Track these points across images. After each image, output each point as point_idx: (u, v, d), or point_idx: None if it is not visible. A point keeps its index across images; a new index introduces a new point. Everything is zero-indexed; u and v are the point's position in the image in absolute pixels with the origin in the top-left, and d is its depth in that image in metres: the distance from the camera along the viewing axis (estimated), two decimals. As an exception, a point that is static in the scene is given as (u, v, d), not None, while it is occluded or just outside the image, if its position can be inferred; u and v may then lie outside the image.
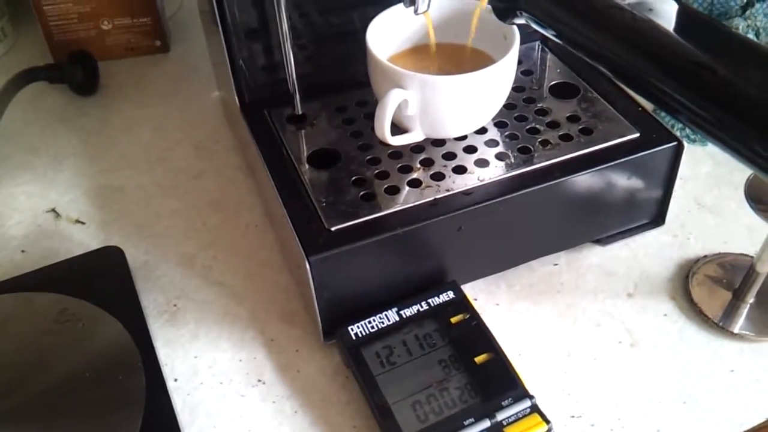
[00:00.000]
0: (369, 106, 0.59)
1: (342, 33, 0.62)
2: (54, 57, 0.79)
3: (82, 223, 0.63)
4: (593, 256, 0.59)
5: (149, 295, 0.56)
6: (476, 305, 0.52)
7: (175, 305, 0.56)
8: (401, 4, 0.54)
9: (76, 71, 0.74)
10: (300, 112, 0.57)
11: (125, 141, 0.71)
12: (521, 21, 0.44)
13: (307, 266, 0.47)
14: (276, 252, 0.60)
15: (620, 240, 0.59)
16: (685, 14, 0.41)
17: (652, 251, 0.59)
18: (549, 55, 0.64)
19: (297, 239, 0.48)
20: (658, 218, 0.60)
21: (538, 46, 0.65)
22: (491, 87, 0.51)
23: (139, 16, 0.78)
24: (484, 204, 0.50)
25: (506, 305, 0.55)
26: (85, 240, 0.61)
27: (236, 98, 0.59)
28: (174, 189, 0.65)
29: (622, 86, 0.60)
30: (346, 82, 0.61)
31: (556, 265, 0.58)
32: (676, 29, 0.40)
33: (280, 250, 0.59)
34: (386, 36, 0.55)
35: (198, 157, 0.69)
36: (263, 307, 0.56)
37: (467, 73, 0.49)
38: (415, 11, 0.49)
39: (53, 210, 0.64)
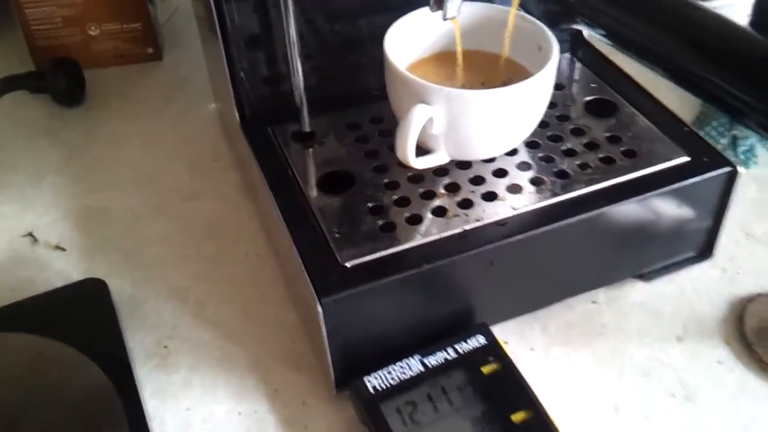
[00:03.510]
0: (384, 122, 0.52)
1: (353, 40, 0.56)
2: (36, 64, 0.73)
3: (62, 249, 0.56)
4: (636, 293, 0.53)
5: (136, 335, 0.50)
6: (508, 350, 0.45)
7: (165, 347, 0.49)
8: (424, 8, 0.48)
9: (59, 80, 0.68)
10: (308, 129, 0.51)
11: (112, 158, 0.64)
12: (577, 27, 0.38)
13: (319, 309, 0.41)
14: (279, 285, 0.53)
15: (665, 275, 0.53)
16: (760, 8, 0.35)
17: (700, 287, 0.53)
18: (581, 68, 0.58)
19: (307, 278, 0.41)
20: (705, 251, 0.54)
21: (569, 58, 0.59)
22: (528, 103, 0.45)
23: (129, 21, 0.72)
24: (521, 237, 0.44)
25: (542, 350, 0.49)
26: (65, 269, 0.54)
27: (236, 113, 0.53)
28: (165, 212, 0.59)
29: (663, 103, 0.54)
30: (358, 95, 0.54)
31: (594, 303, 0.52)
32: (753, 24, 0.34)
33: (285, 283, 0.53)
34: (407, 43, 0.49)
35: (192, 177, 0.62)
36: (265, 350, 0.49)
37: (502, 87, 0.43)
38: (443, 16, 0.43)
39: (30, 234, 0.57)
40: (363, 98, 0.54)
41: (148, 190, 0.61)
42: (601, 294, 0.52)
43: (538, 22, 0.48)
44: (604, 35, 0.37)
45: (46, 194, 0.61)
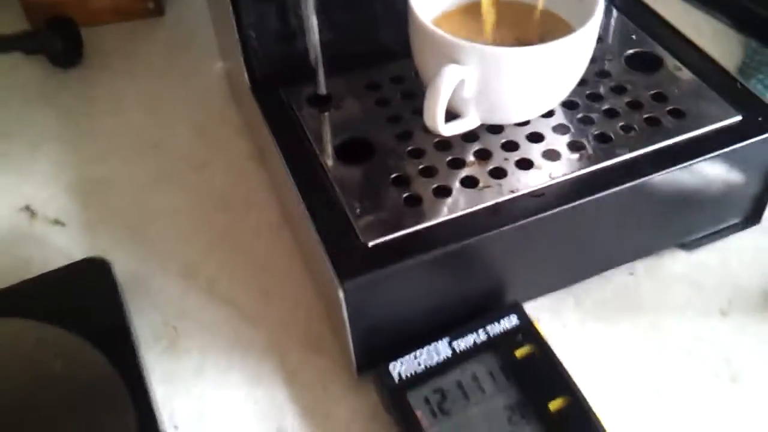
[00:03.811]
0: (406, 82, 0.48)
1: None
2: (30, 23, 0.68)
3: (62, 224, 0.52)
4: (676, 263, 0.49)
5: (142, 316, 0.46)
6: (539, 327, 0.42)
7: (174, 328, 0.46)
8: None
9: (55, 39, 0.63)
10: (324, 92, 0.47)
11: (113, 123, 0.60)
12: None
13: (340, 293, 0.37)
14: (295, 258, 0.50)
15: (707, 244, 0.49)
16: None
17: (747, 257, 0.49)
18: (619, 17, 0.53)
19: (327, 259, 0.38)
20: (753, 217, 0.50)
21: (605, 4, 0.54)
22: (570, 61, 0.40)
23: (127, -27, 0.67)
24: (559, 209, 0.40)
25: (575, 327, 0.45)
26: (65, 245, 0.51)
27: (245, 74, 0.48)
28: (172, 182, 0.55)
29: (711, 55, 0.49)
30: (376, 51, 0.50)
31: (632, 274, 0.48)
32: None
33: (301, 257, 0.50)
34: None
35: (200, 143, 0.58)
36: (282, 330, 0.46)
37: (541, 44, 0.38)
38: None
39: (27, 208, 0.54)
40: (382, 55, 0.49)
41: (152, 157, 0.57)
42: (638, 265, 0.48)
43: (578, -32, 0.43)
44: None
45: (43, 164, 0.57)
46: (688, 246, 0.49)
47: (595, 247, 0.45)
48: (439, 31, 0.39)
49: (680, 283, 0.48)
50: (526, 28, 0.44)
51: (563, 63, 0.40)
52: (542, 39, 0.43)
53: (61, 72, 0.65)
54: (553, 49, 0.38)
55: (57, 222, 0.53)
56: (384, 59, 0.49)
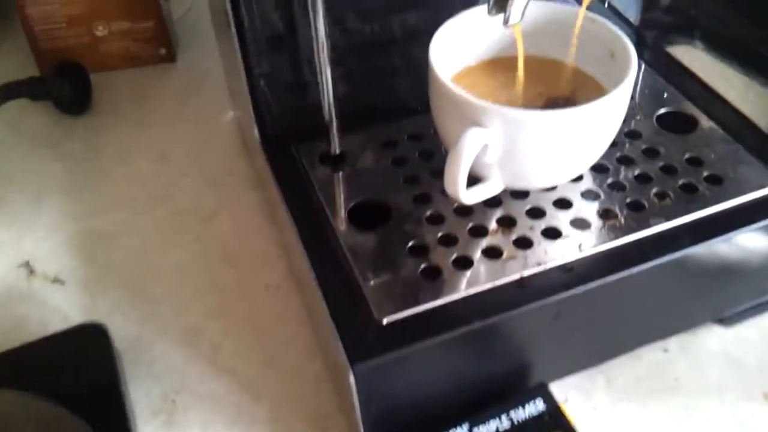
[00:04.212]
0: (425, 139, 0.45)
1: (389, 42, 0.49)
2: (40, 68, 0.67)
3: (61, 282, 0.50)
4: (713, 339, 0.45)
5: (141, 386, 0.43)
6: (566, 409, 0.39)
7: (173, 401, 0.43)
8: (476, 9, 0.41)
9: (63, 86, 0.62)
10: (338, 151, 0.44)
11: (120, 173, 0.58)
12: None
13: (351, 377, 0.34)
14: (303, 325, 0.47)
15: (748, 318, 0.46)
16: None
17: (791, 333, 0.45)
18: (650, 73, 0.51)
19: (338, 338, 0.35)
20: (796, 288, 0.46)
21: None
22: (601, 125, 0.37)
23: (140, 19, 0.65)
24: (591, 286, 0.37)
25: (606, 408, 0.42)
26: (63, 306, 0.48)
27: (256, 128, 0.46)
28: (177, 237, 0.53)
29: (748, 116, 0.47)
30: (394, 107, 0.47)
31: (666, 351, 0.45)
32: None
33: (309, 323, 0.47)
34: (455, 48, 0.41)
35: (209, 195, 0.56)
36: (287, 404, 0.43)
37: (569, 105, 0.36)
38: (505, 21, 0.35)
39: (27, 264, 0.51)
40: (399, 110, 0.47)
41: (158, 210, 0.55)
42: (673, 341, 0.45)
43: (610, 24, 0.40)
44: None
45: (47, 215, 0.55)
46: (727, 321, 0.45)
47: (627, 324, 0.42)
48: (461, 92, 0.36)
49: (718, 362, 0.44)
50: (554, 86, 0.42)
51: (594, 127, 0.37)
52: (572, 99, 0.41)
53: (69, 119, 0.63)
54: (583, 112, 0.36)
55: (56, 280, 0.50)
56: (401, 115, 0.47)
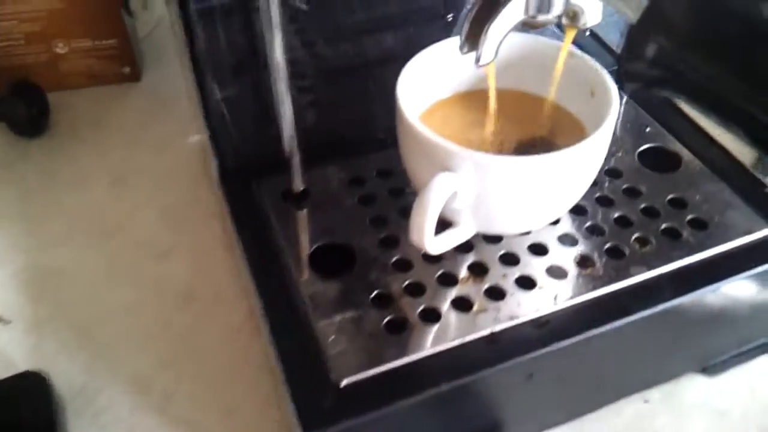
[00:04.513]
0: (395, 176, 0.43)
1: (359, 69, 0.47)
2: (-5, 87, 0.63)
3: (6, 321, 0.47)
4: (696, 389, 0.43)
5: (84, 441, 0.40)
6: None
7: (119, 458, 0.40)
8: (450, 40, 0.38)
9: (17, 106, 0.59)
10: (301, 188, 0.42)
11: (74, 202, 0.55)
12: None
13: (305, 447, 0.31)
14: (265, 370, 0.44)
15: (732, 367, 0.44)
16: None
17: (777, 383, 0.43)
18: (632, 106, 0.48)
19: (290, 401, 0.32)
20: (782, 335, 0.44)
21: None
22: (579, 170, 0.35)
23: (102, 37, 0.62)
24: (567, 343, 0.34)
25: (584, 467, 0.39)
26: (8, 347, 0.45)
27: (214, 162, 0.43)
28: (131, 273, 0.50)
29: (733, 154, 0.44)
30: (364, 140, 0.45)
31: (647, 402, 0.42)
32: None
33: (270, 372, 0.44)
34: (428, 80, 0.39)
35: (167, 227, 0.53)
36: (244, 462, 0.40)
37: (546, 152, 0.33)
38: (476, 60, 0.33)
39: (-31, 301, 0.48)
40: (369, 143, 0.44)
41: (114, 244, 0.52)
42: (654, 391, 0.43)
43: (591, 60, 0.38)
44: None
45: (-6, 247, 0.52)
46: (710, 370, 0.43)
47: (605, 378, 0.39)
48: (430, 134, 0.33)
49: (701, 414, 0.42)
50: (531, 124, 0.39)
51: (571, 173, 0.35)
52: (549, 139, 0.38)
53: (24, 141, 0.60)
54: (560, 158, 0.33)
55: (0, 319, 0.47)
56: (371, 147, 0.44)
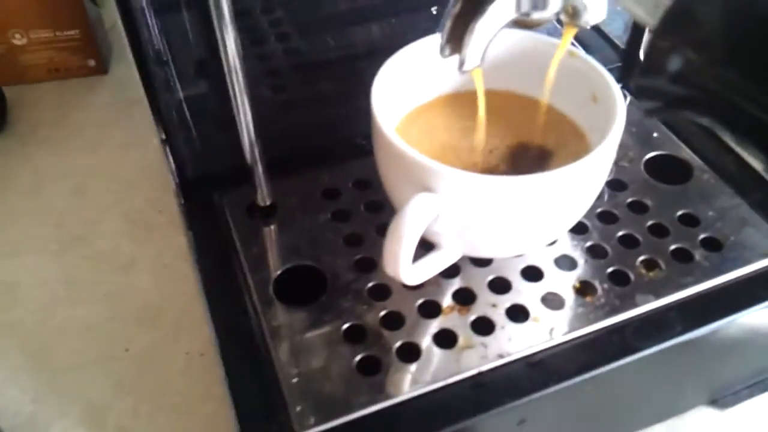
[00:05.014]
0: (373, 188, 0.38)
1: (335, 65, 0.42)
2: (-50, 81, 0.59)
3: (-51, 344, 0.43)
4: (705, 423, 0.39)
5: (27, 483, 0.36)
6: None
7: (65, 503, 0.36)
8: (430, 39, 0.33)
9: (-29, 103, 0.54)
10: (268, 202, 0.37)
11: (30, 208, 0.51)
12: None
13: None
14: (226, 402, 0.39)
15: (743, 400, 0.39)
16: None
17: (795, 416, 0.39)
18: (638, 108, 0.44)
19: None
20: (801, 364, 0.40)
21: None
22: (578, 189, 0.31)
23: (63, 27, 0.58)
24: (563, 386, 0.30)
25: None
26: (-52, 374, 0.41)
27: (172, 172, 0.39)
28: (90, 288, 0.45)
29: (752, 164, 0.40)
30: (339, 146, 0.40)
31: (652, 438, 0.38)
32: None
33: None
34: (409, 82, 0.34)
35: (130, 236, 0.49)
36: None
37: (542, 170, 0.29)
38: (460, 66, 0.28)
39: None
40: (345, 149, 0.40)
41: (73, 256, 0.47)
42: (659, 426, 0.39)
43: (593, 61, 0.33)
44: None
45: (-59, 259, 0.47)
46: (721, 403, 0.39)
47: (606, 417, 0.35)
48: (409, 150, 0.29)
49: (711, 450, 0.38)
50: (526, 131, 0.35)
51: (572, 191, 0.30)
52: (545, 148, 0.34)
53: (-23, 141, 0.55)
54: (560, 176, 0.29)
55: (-60, 341, 0.43)
56: (347, 154, 0.40)
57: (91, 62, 0.60)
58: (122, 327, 0.43)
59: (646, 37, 0.43)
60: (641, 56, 0.42)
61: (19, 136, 0.56)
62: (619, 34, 0.49)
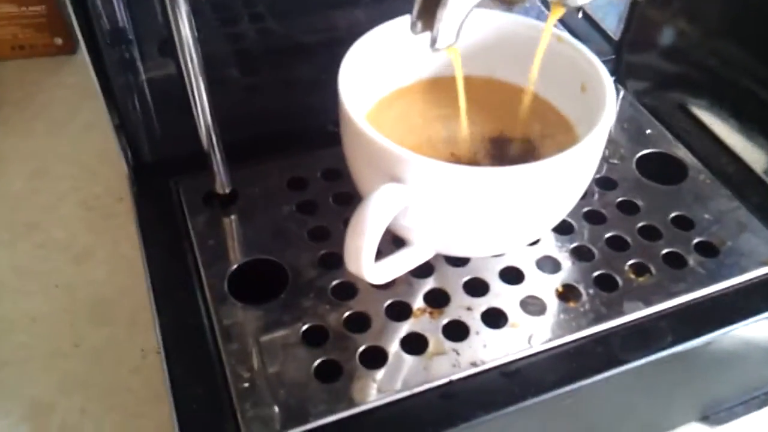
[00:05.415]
0: (343, 179, 0.36)
1: (309, 47, 0.39)
2: None
3: None
4: (696, 440, 0.36)
5: (-43, 488, 0.33)
6: None
7: None
8: (405, 18, 0.31)
9: (-74, 79, 0.51)
10: (227, 189, 0.34)
11: (-16, 192, 0.47)
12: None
13: None
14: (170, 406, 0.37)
15: (737, 417, 0.37)
16: None
17: (787, 435, 0.37)
18: (630, 102, 0.41)
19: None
20: (796, 380, 0.37)
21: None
22: (566, 183, 0.28)
23: (29, 2, 0.54)
24: (542, 398, 0.28)
25: None
26: None
27: (123, 156, 0.36)
28: (42, 279, 0.42)
29: (750, 164, 0.37)
30: (308, 132, 0.37)
31: (637, 455, 0.36)
32: None
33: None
34: (384, 64, 0.32)
35: (88, 224, 0.45)
36: None
37: (525, 160, 0.26)
38: (432, 43, 0.25)
39: None
40: (314, 136, 0.37)
41: (26, 243, 0.44)
42: (648, 442, 0.36)
43: (582, 47, 0.31)
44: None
45: None
46: (713, 420, 0.36)
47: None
48: (374, 135, 0.26)
49: (700, 469, 0.35)
50: (509, 120, 0.32)
51: (557, 186, 0.28)
52: (529, 139, 0.31)
53: (-66, 119, 0.52)
54: (543, 168, 0.26)
55: None
56: (317, 142, 0.37)
57: (58, 40, 0.57)
58: (73, 321, 0.40)
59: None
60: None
61: (-23, 115, 0.53)
62: (613, 29, 0.46)
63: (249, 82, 0.40)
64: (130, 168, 0.36)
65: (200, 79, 0.29)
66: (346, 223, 0.33)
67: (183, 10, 0.27)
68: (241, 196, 0.35)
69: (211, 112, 0.30)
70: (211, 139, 0.31)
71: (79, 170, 0.49)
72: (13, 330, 0.40)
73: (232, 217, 0.34)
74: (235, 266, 0.31)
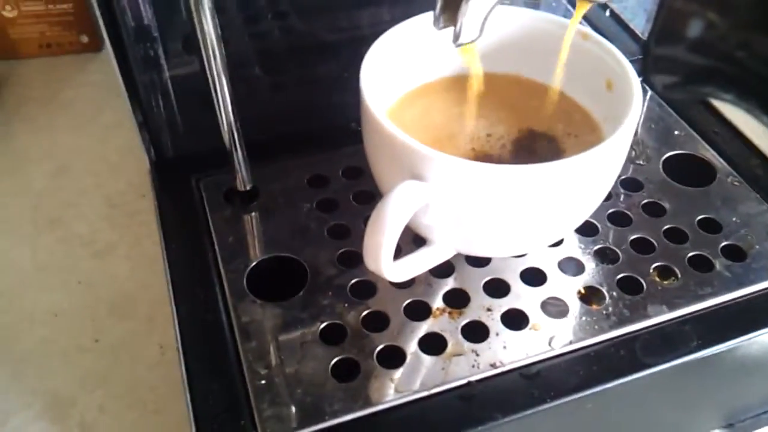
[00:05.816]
0: (364, 178, 0.35)
1: (333, 46, 0.39)
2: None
3: None
4: (721, 449, 0.36)
5: (-22, 480, 0.34)
6: None
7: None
8: (426, 16, 0.30)
9: (-45, 76, 0.52)
10: (247, 186, 0.34)
11: (9, 188, 0.48)
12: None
13: None
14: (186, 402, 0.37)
15: (762, 426, 0.36)
16: None
17: (818, 445, 0.36)
18: (658, 103, 0.40)
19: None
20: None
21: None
22: (591, 182, 0.27)
23: (56, 0, 0.55)
24: (561, 401, 0.27)
25: None
26: None
27: (147, 151, 0.36)
28: (64, 273, 0.43)
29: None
30: (330, 130, 0.37)
31: (659, 463, 0.35)
32: None
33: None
34: (409, 60, 0.31)
35: (110, 220, 0.46)
36: None
37: (549, 159, 0.25)
38: (455, 39, 0.25)
39: None
40: (337, 136, 0.37)
41: (48, 239, 0.45)
42: (670, 449, 0.35)
43: (608, 44, 0.30)
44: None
45: None
46: (738, 428, 0.36)
47: (610, 438, 0.32)
48: (395, 132, 0.26)
49: (724, 478, 0.35)
50: (533, 118, 0.32)
51: (581, 185, 0.27)
52: (553, 137, 0.31)
53: (-40, 116, 0.53)
54: (568, 167, 0.26)
55: None
56: (339, 140, 0.37)
57: (84, 38, 0.57)
58: (93, 316, 0.41)
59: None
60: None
61: (5, 112, 0.54)
62: (641, 29, 0.45)
63: (271, 79, 0.40)
64: (153, 165, 0.36)
65: (223, 76, 0.29)
66: (366, 221, 0.33)
67: (207, 7, 0.27)
68: (261, 193, 0.35)
69: (233, 109, 0.30)
70: (233, 136, 0.31)
71: (102, 167, 0.49)
72: (34, 325, 0.40)
73: (253, 214, 0.34)
74: (254, 263, 0.31)
